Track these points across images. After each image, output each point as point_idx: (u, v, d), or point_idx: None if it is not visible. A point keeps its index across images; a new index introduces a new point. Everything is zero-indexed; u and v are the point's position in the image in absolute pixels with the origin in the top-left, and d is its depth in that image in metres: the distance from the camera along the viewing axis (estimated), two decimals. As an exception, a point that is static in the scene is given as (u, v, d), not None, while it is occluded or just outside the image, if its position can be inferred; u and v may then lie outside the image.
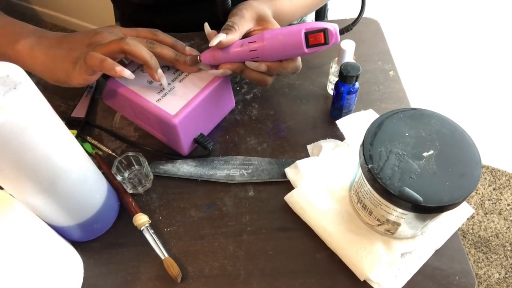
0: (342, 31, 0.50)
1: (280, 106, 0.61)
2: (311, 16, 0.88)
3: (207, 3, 0.68)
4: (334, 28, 0.47)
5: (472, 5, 1.40)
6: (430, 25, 1.47)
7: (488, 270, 1.22)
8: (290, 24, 0.54)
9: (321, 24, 0.47)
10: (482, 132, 1.37)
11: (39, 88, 0.37)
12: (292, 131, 0.59)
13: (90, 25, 1.84)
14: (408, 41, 1.45)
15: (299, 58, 0.51)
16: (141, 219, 0.50)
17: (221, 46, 0.50)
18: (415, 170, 0.40)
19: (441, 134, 0.43)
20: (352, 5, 0.73)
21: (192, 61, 0.52)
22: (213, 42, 0.49)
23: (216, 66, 0.52)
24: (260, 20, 0.53)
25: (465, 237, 1.28)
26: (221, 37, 0.49)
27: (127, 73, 0.48)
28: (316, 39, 0.47)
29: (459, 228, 0.49)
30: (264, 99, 0.62)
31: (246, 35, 0.53)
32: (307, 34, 0.47)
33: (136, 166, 0.54)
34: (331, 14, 0.90)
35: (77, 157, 0.43)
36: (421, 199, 0.38)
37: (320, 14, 0.89)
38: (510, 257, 1.24)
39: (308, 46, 0.47)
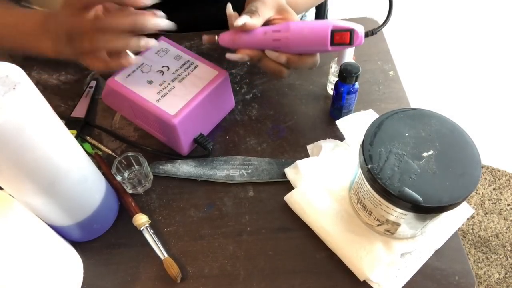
0: (367, 34, 0.49)
1: (280, 106, 0.61)
2: (310, 16, 0.88)
3: (206, 3, 0.68)
4: (360, 30, 0.47)
5: (472, 5, 1.41)
6: (430, 25, 1.47)
7: (488, 270, 1.22)
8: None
9: (348, 24, 0.47)
10: (482, 132, 1.37)
11: (39, 88, 0.37)
12: (292, 131, 0.59)
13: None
14: (408, 41, 1.46)
15: (318, 54, 0.51)
16: (141, 219, 0.50)
17: (244, 29, 0.48)
18: (415, 170, 0.40)
19: (441, 134, 0.43)
20: (352, 6, 0.73)
21: (208, 40, 0.51)
22: (239, 22, 0.47)
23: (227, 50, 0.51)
24: (281, 9, 0.51)
25: (465, 237, 1.28)
26: (246, 19, 0.47)
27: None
28: (342, 38, 0.46)
29: (459, 228, 0.49)
30: (264, 99, 0.62)
31: (265, 24, 0.51)
32: (333, 32, 0.46)
33: (136, 166, 0.54)
34: (331, 14, 0.90)
35: (77, 157, 0.43)
36: (420, 199, 0.38)
37: (320, 14, 0.89)
38: (510, 257, 1.24)
39: (332, 44, 0.47)
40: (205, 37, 0.51)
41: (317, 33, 0.47)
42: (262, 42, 0.48)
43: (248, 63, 0.66)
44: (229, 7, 0.50)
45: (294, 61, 0.49)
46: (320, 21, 0.47)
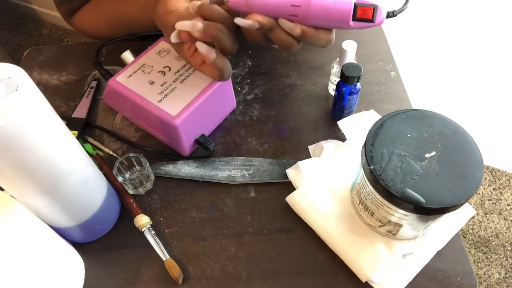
0: (387, 15, 0.46)
1: (282, 107, 0.61)
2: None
3: None
4: (384, 8, 0.44)
5: (473, 5, 1.40)
6: (432, 25, 1.47)
7: (488, 270, 1.22)
8: None
9: (371, 0, 0.44)
10: (483, 132, 1.37)
11: (40, 89, 0.37)
12: (293, 131, 0.59)
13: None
14: (410, 41, 1.45)
15: (334, 31, 0.47)
16: (142, 220, 0.49)
17: None
18: (417, 172, 0.40)
19: (443, 135, 0.43)
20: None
21: (216, 0, 0.46)
22: None
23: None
24: None
25: (465, 237, 1.28)
26: None
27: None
28: (365, 13, 0.43)
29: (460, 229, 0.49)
30: (265, 100, 0.62)
31: None
32: (356, 6, 0.43)
33: (137, 167, 0.54)
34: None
35: (78, 158, 0.43)
36: (423, 200, 0.38)
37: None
38: (510, 257, 1.24)
39: (354, 18, 0.44)
40: None
41: (340, 4, 0.43)
42: (279, 7, 0.43)
43: (249, 63, 0.66)
44: None
45: (309, 35, 0.45)
46: None
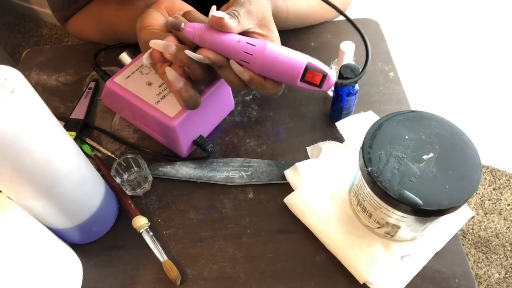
0: (336, 83, 0.47)
1: (280, 108, 0.61)
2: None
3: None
4: (333, 76, 0.45)
5: (472, 6, 1.40)
6: (430, 26, 1.47)
7: (488, 270, 1.22)
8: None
9: (324, 67, 0.44)
10: (482, 132, 1.37)
11: (38, 90, 0.37)
12: (291, 132, 0.59)
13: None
14: (408, 42, 1.45)
15: (283, 85, 0.48)
16: (140, 222, 0.49)
17: (219, 26, 0.42)
18: (415, 173, 0.40)
19: (441, 137, 0.43)
20: (352, 6, 0.73)
21: (172, 25, 0.44)
22: (216, 14, 0.42)
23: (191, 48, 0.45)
24: (263, 24, 0.47)
25: (465, 237, 1.28)
26: (226, 17, 0.42)
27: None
28: (313, 78, 0.44)
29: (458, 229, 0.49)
30: (263, 101, 0.62)
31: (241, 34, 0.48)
32: (307, 68, 0.44)
33: (135, 168, 0.54)
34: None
35: (76, 159, 0.43)
36: (421, 202, 0.38)
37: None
38: (510, 257, 1.24)
39: (302, 79, 0.44)
40: (170, 20, 0.44)
41: (291, 63, 0.44)
42: (232, 49, 0.44)
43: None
44: (213, 10, 0.44)
45: (256, 83, 0.45)
46: (297, 53, 0.45)
